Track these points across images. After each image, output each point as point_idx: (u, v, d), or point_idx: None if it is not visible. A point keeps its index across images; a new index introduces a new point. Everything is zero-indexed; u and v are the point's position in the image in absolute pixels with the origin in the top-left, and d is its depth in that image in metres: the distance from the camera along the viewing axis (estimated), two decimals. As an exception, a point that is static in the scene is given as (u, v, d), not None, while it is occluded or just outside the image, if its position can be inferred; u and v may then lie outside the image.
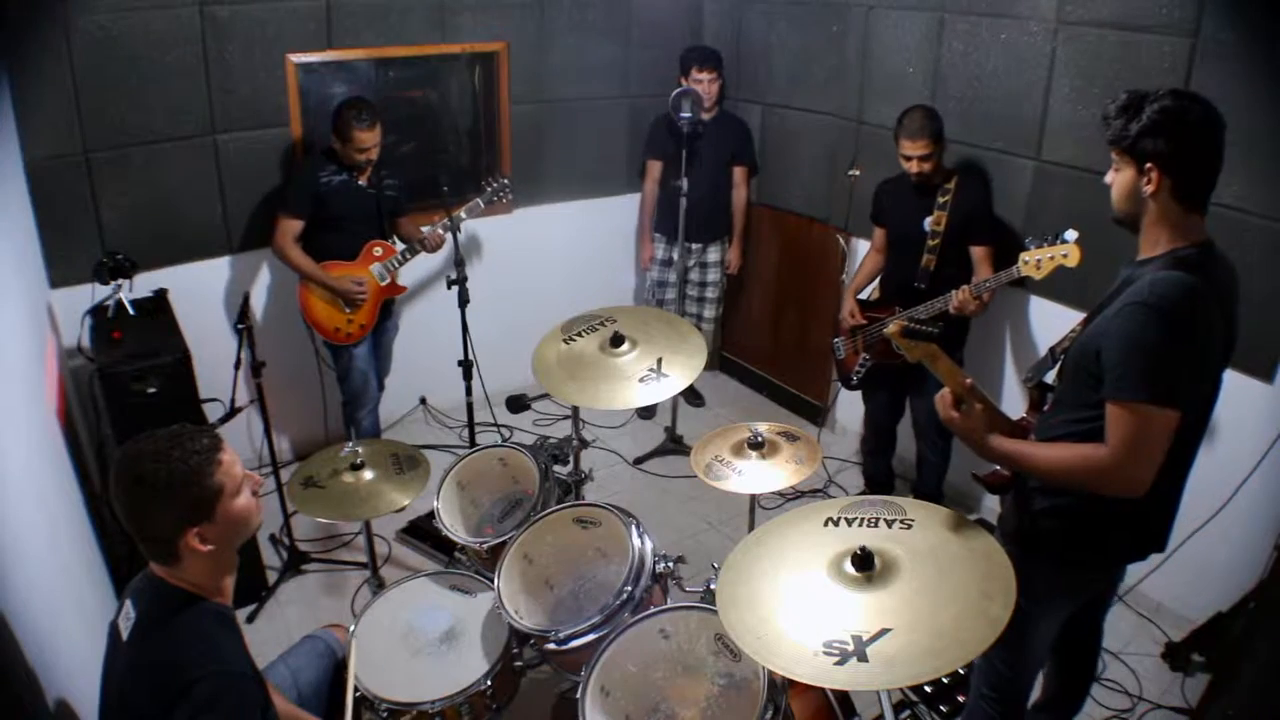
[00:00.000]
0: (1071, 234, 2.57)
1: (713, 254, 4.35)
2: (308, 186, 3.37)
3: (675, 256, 4.27)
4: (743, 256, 4.49)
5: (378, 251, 3.53)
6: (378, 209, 3.52)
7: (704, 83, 3.94)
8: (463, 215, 3.62)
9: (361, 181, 3.44)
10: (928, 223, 3.14)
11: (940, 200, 3.11)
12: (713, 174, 4.12)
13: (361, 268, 3.52)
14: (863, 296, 3.50)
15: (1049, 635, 2.07)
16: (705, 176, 3.91)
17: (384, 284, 3.56)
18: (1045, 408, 2.00)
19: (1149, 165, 1.68)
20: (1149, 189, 1.69)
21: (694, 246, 4.25)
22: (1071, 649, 2.30)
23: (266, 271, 3.79)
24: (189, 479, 1.47)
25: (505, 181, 3.80)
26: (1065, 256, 2.61)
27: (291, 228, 3.38)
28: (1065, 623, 2.08)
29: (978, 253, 3.14)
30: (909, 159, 3.07)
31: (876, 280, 3.51)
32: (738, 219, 4.36)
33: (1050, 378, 2.06)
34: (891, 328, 1.76)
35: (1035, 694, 2.49)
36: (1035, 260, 2.67)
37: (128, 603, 1.54)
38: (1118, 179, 1.77)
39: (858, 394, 3.64)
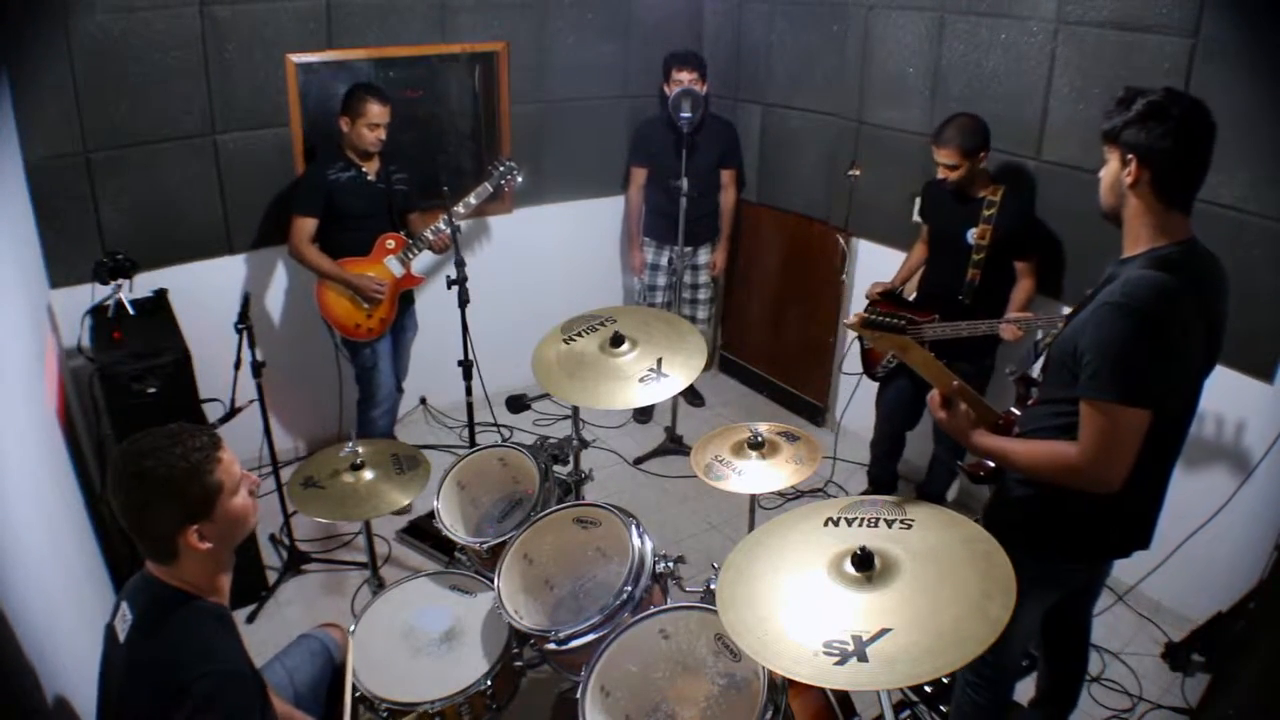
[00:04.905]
0: None
1: (703, 256, 4.35)
2: (318, 184, 3.37)
3: (665, 261, 4.28)
4: (727, 258, 4.49)
5: (390, 244, 3.53)
6: (388, 204, 3.51)
7: (684, 83, 3.89)
8: (472, 200, 3.63)
9: (370, 176, 3.44)
10: (971, 235, 3.06)
11: (985, 213, 3.03)
12: (703, 177, 4.11)
13: (377, 262, 3.51)
14: (896, 292, 3.45)
15: (1030, 623, 2.09)
16: (696, 179, 3.91)
17: (399, 276, 3.56)
18: (1030, 401, 2.02)
19: (1129, 156, 1.69)
20: (1128, 180, 1.71)
21: (685, 250, 4.25)
22: (1060, 643, 2.32)
23: (267, 271, 3.79)
24: (189, 476, 1.47)
25: (511, 164, 3.78)
26: None
27: (306, 227, 3.37)
28: (1052, 617, 2.11)
29: (1021, 266, 3.09)
30: (938, 165, 3.04)
31: (916, 277, 3.44)
32: (725, 221, 4.37)
33: (1035, 371, 2.08)
34: (852, 319, 1.75)
35: (1031, 692, 2.50)
36: None
37: (124, 604, 1.54)
38: (1105, 171, 1.79)
39: (863, 396, 3.62)
